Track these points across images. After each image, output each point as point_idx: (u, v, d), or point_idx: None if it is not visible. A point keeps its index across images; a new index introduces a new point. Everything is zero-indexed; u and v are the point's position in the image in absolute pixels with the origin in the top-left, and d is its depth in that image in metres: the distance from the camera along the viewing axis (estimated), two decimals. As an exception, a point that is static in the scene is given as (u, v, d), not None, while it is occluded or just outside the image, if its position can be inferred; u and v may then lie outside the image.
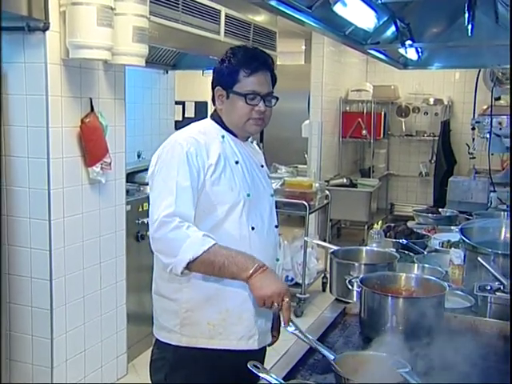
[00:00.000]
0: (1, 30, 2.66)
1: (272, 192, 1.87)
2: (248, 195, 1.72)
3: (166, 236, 1.57)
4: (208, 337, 1.72)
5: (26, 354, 2.95)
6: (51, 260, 2.86)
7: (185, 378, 1.73)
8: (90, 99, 2.98)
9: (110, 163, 3.04)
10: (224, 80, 1.74)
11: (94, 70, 3.01)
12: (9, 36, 2.73)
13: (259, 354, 1.79)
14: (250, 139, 1.88)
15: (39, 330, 2.91)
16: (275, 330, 1.76)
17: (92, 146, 2.96)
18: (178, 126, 5.27)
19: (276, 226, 1.84)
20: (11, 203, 2.89)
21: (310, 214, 4.61)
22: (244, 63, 1.72)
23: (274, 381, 1.27)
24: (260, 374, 1.32)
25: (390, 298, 1.71)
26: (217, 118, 1.81)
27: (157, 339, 1.81)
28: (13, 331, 2.97)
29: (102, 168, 2.99)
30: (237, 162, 1.74)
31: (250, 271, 1.54)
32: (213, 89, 1.80)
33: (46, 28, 2.65)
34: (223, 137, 1.76)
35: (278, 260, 1.85)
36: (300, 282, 4.63)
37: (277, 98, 1.78)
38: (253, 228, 1.73)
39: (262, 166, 1.87)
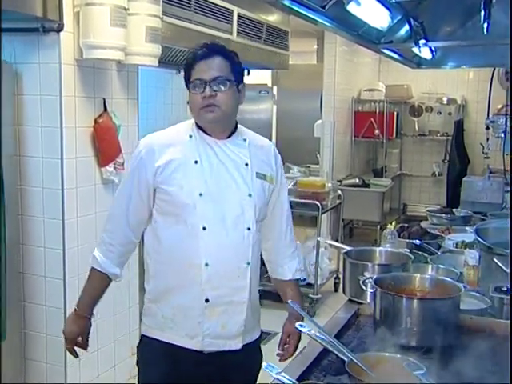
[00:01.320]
0: (1, 31, 2.69)
1: (251, 192, 1.76)
2: (200, 195, 1.70)
3: None
4: (160, 329, 1.78)
5: (41, 353, 2.97)
6: (65, 259, 2.88)
7: (145, 365, 1.84)
8: (104, 99, 2.99)
9: (123, 163, 3.05)
10: (185, 78, 1.76)
11: (107, 70, 3.02)
12: (24, 37, 2.75)
13: (213, 358, 1.75)
14: (241, 136, 1.82)
15: (53, 328, 2.92)
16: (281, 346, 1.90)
17: (105, 145, 2.97)
18: (191, 125, 5.29)
19: (248, 228, 1.74)
20: (25, 203, 2.91)
21: (322, 214, 4.59)
22: (192, 56, 1.74)
23: (287, 382, 1.27)
24: (273, 375, 1.31)
25: (404, 299, 1.70)
26: None
27: None
28: (27, 330, 2.99)
29: (115, 168, 3.00)
30: (196, 162, 1.72)
31: (76, 310, 1.86)
32: None
33: (60, 29, 2.66)
34: (190, 136, 1.76)
35: (248, 264, 1.75)
36: (312, 282, 4.62)
37: (229, 81, 1.71)
38: (204, 228, 1.69)
39: (247, 165, 1.78)
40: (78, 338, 1.85)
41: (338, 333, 1.82)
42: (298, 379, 1.42)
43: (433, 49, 3.31)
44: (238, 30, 4.05)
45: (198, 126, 1.77)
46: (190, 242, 1.70)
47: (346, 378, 1.41)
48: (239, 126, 1.84)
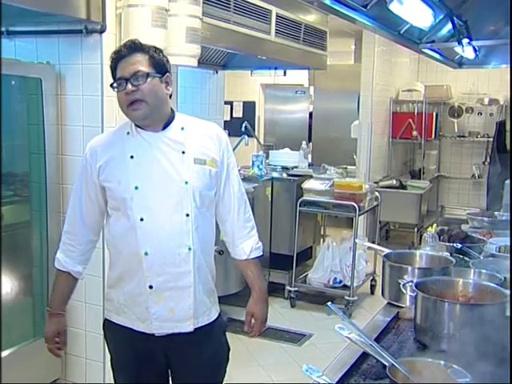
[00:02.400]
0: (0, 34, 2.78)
1: (186, 180, 1.79)
2: (136, 188, 1.77)
3: None
4: (117, 313, 1.89)
5: (80, 349, 3.02)
6: (104, 256, 2.92)
7: (109, 345, 1.99)
8: (144, 99, 3.02)
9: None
10: (111, 84, 1.81)
11: (147, 70, 3.05)
12: (67, 39, 2.81)
13: (165, 341, 1.84)
14: (179, 124, 1.85)
15: (92, 325, 2.97)
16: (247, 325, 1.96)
17: (144, 145, 3.00)
18: (227, 126, 5.32)
19: (187, 215, 1.79)
20: (66, 201, 2.94)
21: (359, 215, 4.55)
22: (114, 59, 1.79)
23: (321, 381, 1.25)
24: (314, 378, 1.30)
25: (447, 303, 1.66)
26: None
27: None
28: (69, 326, 3.04)
29: (154, 167, 3.03)
30: (132, 157, 1.80)
31: (49, 311, 1.96)
32: None
33: (102, 30, 2.71)
34: (128, 133, 1.84)
35: (190, 249, 1.80)
36: (348, 284, 4.57)
37: (148, 74, 1.75)
38: (142, 219, 1.77)
39: (184, 153, 1.81)
40: (55, 336, 1.94)
41: (378, 336, 1.79)
42: (337, 382, 1.41)
43: (476, 48, 3.24)
44: (276, 30, 4.05)
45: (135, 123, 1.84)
46: (130, 234, 1.79)
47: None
48: (177, 114, 1.89)
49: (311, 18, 4.64)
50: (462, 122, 7.50)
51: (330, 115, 7.42)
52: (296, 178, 4.97)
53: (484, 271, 2.22)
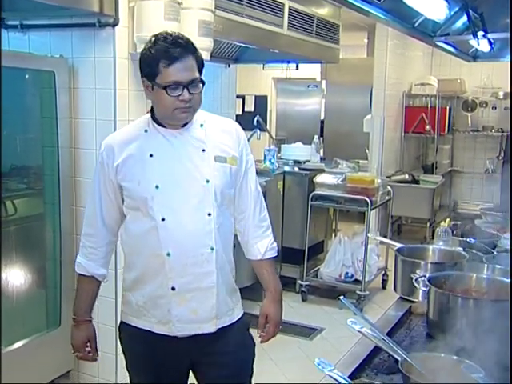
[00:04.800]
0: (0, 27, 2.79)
1: (208, 178, 1.75)
2: (157, 187, 1.72)
3: None
4: (136, 316, 1.83)
5: (92, 341, 3.04)
6: (116, 250, 2.91)
7: (126, 350, 1.92)
8: (156, 93, 3.02)
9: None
10: (146, 71, 1.71)
11: (159, 64, 3.05)
12: (80, 32, 2.82)
13: (187, 342, 1.79)
14: (198, 122, 1.80)
15: (104, 317, 2.99)
16: (261, 327, 1.89)
17: (157, 139, 3.01)
18: (239, 120, 5.31)
19: (209, 214, 1.74)
20: (80, 194, 2.99)
21: (371, 210, 4.53)
22: (162, 53, 1.66)
23: (341, 379, 1.25)
24: (326, 372, 1.29)
25: (460, 298, 1.65)
26: (152, 110, 1.80)
27: None
28: (80, 318, 3.06)
29: (166, 161, 3.03)
30: (151, 155, 1.74)
31: (75, 318, 1.90)
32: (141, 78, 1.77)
33: (115, 23, 2.72)
34: (146, 131, 1.78)
35: (212, 249, 1.75)
36: (360, 278, 4.56)
37: (203, 83, 1.71)
38: (163, 219, 1.72)
39: (204, 150, 1.77)
40: (85, 344, 1.88)
41: (390, 331, 1.78)
42: (349, 377, 1.40)
43: (492, 41, 3.20)
44: (288, 23, 4.03)
45: (154, 120, 1.77)
46: (151, 234, 1.73)
47: (400, 378, 1.38)
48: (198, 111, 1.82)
49: (324, 11, 4.61)
50: (476, 116, 7.43)
51: (343, 109, 7.39)
52: (308, 172, 4.95)
53: (498, 266, 2.20)
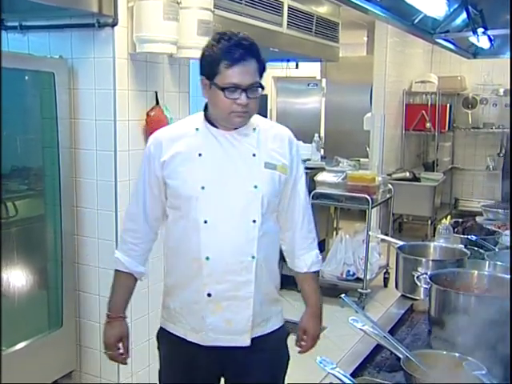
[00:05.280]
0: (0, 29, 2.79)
1: (256, 184, 1.69)
2: (203, 188, 1.66)
3: None
4: (173, 322, 1.79)
5: (95, 341, 3.04)
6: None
7: (162, 357, 1.86)
8: (156, 93, 3.02)
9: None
10: (206, 70, 1.66)
11: (159, 63, 3.05)
12: (80, 32, 2.82)
13: (219, 352, 1.73)
14: (251, 126, 1.74)
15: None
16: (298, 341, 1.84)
17: (157, 138, 3.01)
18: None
19: (254, 221, 1.68)
20: (80, 195, 2.99)
21: (372, 208, 4.52)
22: (225, 54, 1.60)
23: (343, 378, 1.25)
24: (328, 370, 1.29)
25: (461, 295, 1.65)
26: (206, 108, 1.75)
27: None
28: (82, 318, 3.07)
29: (166, 161, 3.03)
30: (200, 155, 1.69)
31: (109, 315, 1.82)
32: (200, 75, 1.72)
33: (114, 24, 2.71)
34: (197, 129, 1.72)
35: (253, 258, 1.68)
36: (361, 276, 4.56)
37: (262, 87, 1.65)
38: (205, 221, 1.66)
39: (254, 155, 1.71)
40: (117, 342, 1.80)
41: (392, 328, 1.78)
42: (351, 375, 1.40)
43: (492, 37, 3.19)
44: (288, 22, 4.03)
45: (207, 119, 1.73)
46: (192, 236, 1.68)
47: (402, 376, 1.38)
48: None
49: (323, 9, 4.61)
50: (477, 114, 7.42)
51: (343, 107, 7.38)
52: (308, 171, 4.93)
53: (499, 263, 2.20)
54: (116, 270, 1.82)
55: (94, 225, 2.97)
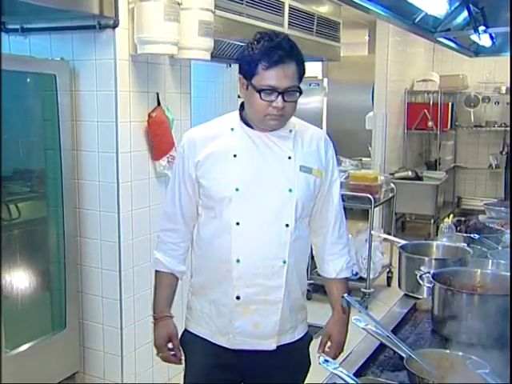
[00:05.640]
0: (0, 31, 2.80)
1: (292, 187, 1.66)
2: (237, 189, 1.63)
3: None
4: (196, 323, 1.78)
5: (98, 342, 3.05)
6: (120, 252, 2.94)
7: (187, 358, 1.82)
8: (157, 94, 3.03)
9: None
10: (244, 70, 1.62)
11: (160, 64, 3.05)
12: (81, 34, 2.82)
13: (244, 355, 1.71)
14: (288, 127, 1.70)
15: (110, 319, 3.00)
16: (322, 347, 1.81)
17: (158, 139, 3.01)
18: (241, 119, 5.29)
19: (287, 225, 1.65)
20: (82, 196, 2.99)
21: (375, 207, 4.52)
22: (264, 55, 1.56)
23: (346, 377, 1.24)
24: (331, 370, 1.29)
25: (464, 294, 1.65)
26: (242, 107, 1.72)
27: None
28: (85, 320, 3.08)
29: (168, 162, 3.04)
30: (235, 156, 1.65)
31: (155, 316, 1.80)
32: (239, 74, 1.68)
33: (115, 25, 2.71)
34: (232, 129, 1.69)
35: (284, 262, 1.66)
36: (364, 276, 4.56)
37: (300, 92, 1.61)
38: (238, 223, 1.63)
39: (290, 158, 1.68)
40: (166, 342, 1.76)
41: (395, 328, 1.78)
42: (354, 374, 1.40)
43: (493, 35, 3.18)
44: (289, 22, 4.03)
45: (242, 119, 1.70)
46: (223, 237, 1.66)
47: (405, 375, 1.37)
48: None
49: (324, 9, 4.61)
50: (479, 112, 7.41)
51: (345, 107, 7.38)
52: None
53: (502, 261, 2.20)
54: (156, 271, 1.81)
55: (96, 226, 2.98)
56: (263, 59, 1.56)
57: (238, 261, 1.64)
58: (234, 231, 1.64)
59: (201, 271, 1.76)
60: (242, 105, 1.72)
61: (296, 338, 1.78)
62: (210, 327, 1.73)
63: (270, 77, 1.56)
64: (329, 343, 1.84)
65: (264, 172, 1.66)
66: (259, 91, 1.57)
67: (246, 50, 1.62)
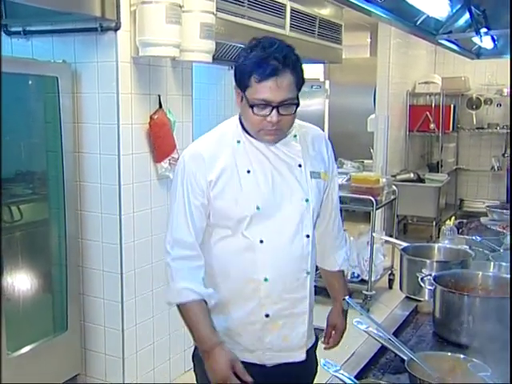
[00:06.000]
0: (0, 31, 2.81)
1: (307, 197, 1.61)
2: (258, 208, 1.54)
3: (166, 265, 1.62)
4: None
5: (100, 344, 3.05)
6: (121, 254, 2.94)
7: (201, 378, 1.66)
8: (159, 96, 3.03)
9: (178, 159, 3.08)
10: (238, 80, 1.52)
11: (162, 67, 3.06)
12: (83, 37, 2.83)
13: (274, 371, 1.64)
14: (290, 135, 1.63)
15: (111, 321, 3.00)
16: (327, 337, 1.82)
17: (160, 142, 3.02)
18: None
19: (307, 236, 1.61)
20: (84, 198, 3.00)
21: (376, 209, 4.51)
22: (256, 66, 1.46)
23: (347, 380, 1.24)
24: (332, 373, 1.29)
25: (466, 297, 1.64)
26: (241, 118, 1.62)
27: None
28: (86, 321, 3.08)
29: (170, 164, 3.04)
30: (248, 172, 1.56)
31: (205, 347, 1.54)
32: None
33: (117, 28, 2.72)
34: (238, 142, 1.58)
35: (308, 273, 1.62)
36: (366, 278, 4.55)
37: (297, 104, 1.52)
38: (261, 241, 1.56)
39: (300, 166, 1.62)
40: (230, 370, 1.48)
41: (396, 330, 1.78)
42: (355, 377, 1.40)
43: (495, 38, 3.18)
44: (290, 24, 4.03)
45: (244, 128, 1.60)
46: (245, 256, 1.57)
47: (406, 378, 1.37)
48: None
49: (326, 11, 4.61)
50: (481, 114, 7.39)
51: (346, 109, 7.38)
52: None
53: (504, 264, 2.19)
54: (184, 304, 1.56)
55: (98, 228, 2.98)
56: (255, 71, 1.46)
57: (265, 280, 1.58)
58: (257, 249, 1.56)
59: (218, 290, 1.62)
60: (240, 113, 1.63)
61: (313, 343, 1.76)
62: (232, 345, 1.60)
63: (263, 90, 1.46)
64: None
65: (281, 185, 1.59)
66: (252, 106, 1.48)
67: (240, 60, 1.51)
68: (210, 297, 1.57)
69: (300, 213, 1.60)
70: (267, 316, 1.60)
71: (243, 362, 1.54)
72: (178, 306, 1.58)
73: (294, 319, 1.64)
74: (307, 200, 1.61)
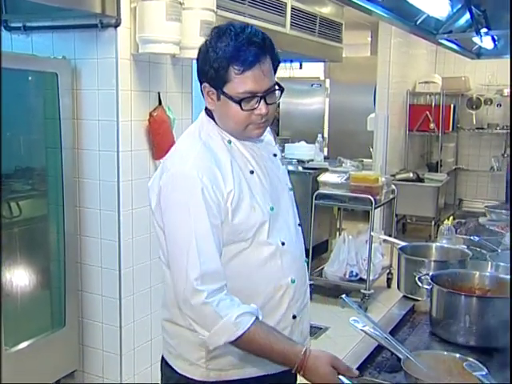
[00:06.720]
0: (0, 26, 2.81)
1: (290, 186, 1.56)
2: (272, 209, 1.44)
3: (200, 308, 1.34)
4: (239, 367, 1.48)
5: (97, 341, 3.05)
6: (120, 251, 2.94)
7: None
8: (158, 93, 3.03)
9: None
10: (211, 76, 1.35)
11: (162, 64, 3.06)
12: (83, 33, 2.83)
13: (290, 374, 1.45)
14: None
15: (109, 317, 3.00)
16: None
17: (159, 139, 3.01)
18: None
19: (299, 225, 1.57)
20: (83, 195, 3.00)
21: (375, 208, 4.52)
22: (234, 56, 1.31)
23: (343, 378, 1.25)
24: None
25: (463, 296, 1.64)
26: (212, 117, 1.46)
27: (171, 368, 1.55)
28: (84, 318, 3.08)
29: (169, 161, 3.04)
30: (251, 172, 1.44)
31: (296, 365, 1.34)
32: (200, 82, 1.42)
33: (117, 24, 2.72)
34: (230, 142, 1.43)
35: (306, 262, 1.61)
36: (364, 277, 4.55)
37: (281, 90, 1.39)
38: (283, 243, 1.46)
39: (275, 155, 1.53)
40: (335, 375, 1.32)
41: (393, 329, 1.78)
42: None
43: (495, 38, 3.18)
44: (291, 22, 4.03)
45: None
46: (271, 263, 1.45)
47: (402, 376, 1.37)
48: None
49: (326, 10, 4.62)
50: (481, 114, 7.40)
51: (346, 108, 7.38)
52: (312, 171, 4.95)
53: (501, 264, 2.20)
54: (247, 333, 1.33)
55: (96, 225, 2.98)
56: (234, 62, 1.31)
57: (293, 281, 1.50)
58: (282, 253, 1.46)
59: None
60: (208, 114, 1.47)
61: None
62: (261, 360, 1.41)
63: (246, 81, 1.32)
64: None
65: (275, 180, 1.52)
66: (239, 101, 1.34)
67: (207, 52, 1.35)
68: (258, 312, 1.38)
69: (292, 203, 1.58)
70: (294, 317, 1.53)
71: (268, 375, 1.46)
72: (237, 340, 1.34)
73: (304, 311, 1.59)
74: (291, 189, 1.58)
